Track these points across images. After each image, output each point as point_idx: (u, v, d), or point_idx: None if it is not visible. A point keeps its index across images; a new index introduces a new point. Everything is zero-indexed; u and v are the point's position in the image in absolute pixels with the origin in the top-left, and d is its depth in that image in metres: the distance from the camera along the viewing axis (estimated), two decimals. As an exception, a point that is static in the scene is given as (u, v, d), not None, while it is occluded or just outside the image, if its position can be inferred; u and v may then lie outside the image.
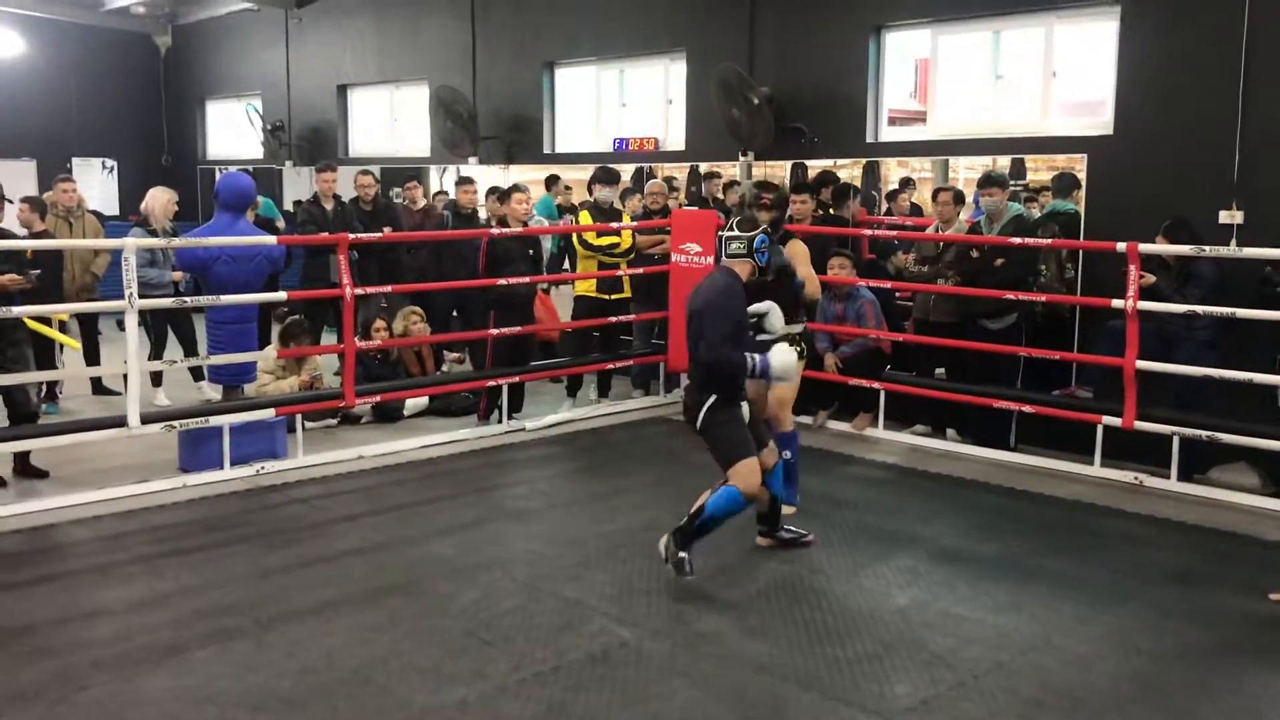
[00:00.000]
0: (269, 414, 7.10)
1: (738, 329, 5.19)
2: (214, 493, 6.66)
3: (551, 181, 11.19)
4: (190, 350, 8.78)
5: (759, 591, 5.12)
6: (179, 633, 4.60)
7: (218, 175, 11.11)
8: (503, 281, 7.95)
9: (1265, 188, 6.84)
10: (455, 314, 9.71)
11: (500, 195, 8.79)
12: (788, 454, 6.16)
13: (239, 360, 7.18)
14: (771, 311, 5.56)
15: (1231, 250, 6.54)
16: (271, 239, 7.21)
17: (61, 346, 9.02)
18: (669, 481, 6.77)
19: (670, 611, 4.85)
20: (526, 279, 8.19)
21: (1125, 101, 7.51)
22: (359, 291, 7.26)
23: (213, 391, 8.61)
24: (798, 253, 6.23)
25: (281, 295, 7.50)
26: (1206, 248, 6.47)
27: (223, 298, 6.89)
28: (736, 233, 5.30)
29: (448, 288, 8.61)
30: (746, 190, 9.31)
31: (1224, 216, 6.98)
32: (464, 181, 9.65)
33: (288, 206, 13.94)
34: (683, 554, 5.00)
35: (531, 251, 8.39)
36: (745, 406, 5.28)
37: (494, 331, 8.08)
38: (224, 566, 5.42)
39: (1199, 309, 6.48)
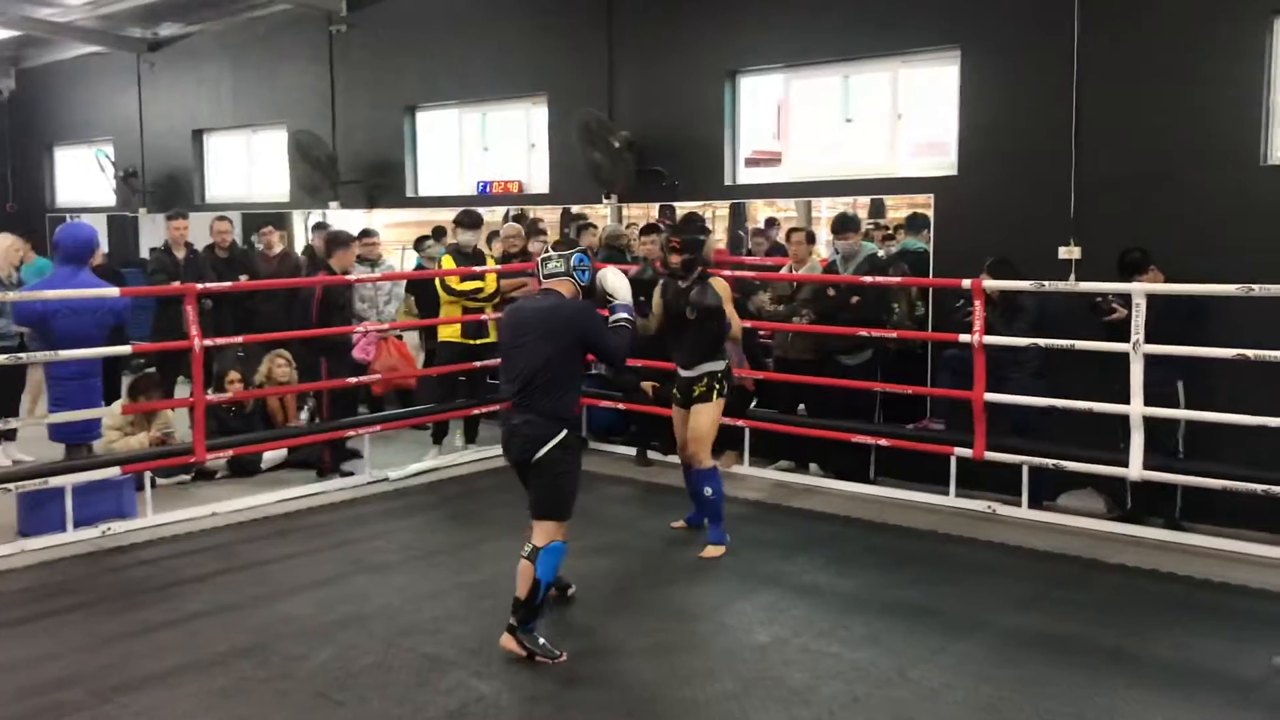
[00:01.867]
0: (114, 472, 6.82)
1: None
2: (54, 557, 6.35)
3: (438, 234, 10.79)
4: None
5: (621, 637, 5.08)
6: (8, 711, 4.35)
7: (70, 221, 10.72)
8: (361, 329, 7.83)
9: (1099, 224, 7.17)
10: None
11: (326, 239, 8.55)
12: (709, 490, 6.27)
13: (81, 417, 6.88)
14: (608, 278, 5.28)
15: (1069, 285, 6.82)
16: (114, 290, 6.95)
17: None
18: (534, 527, 6.69)
19: (531, 664, 4.75)
20: (361, 327, 8.04)
21: (967, 143, 7.81)
22: (208, 343, 7.05)
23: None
24: (721, 291, 6.26)
25: (126, 349, 7.22)
26: (1046, 283, 6.73)
27: (62, 352, 6.59)
28: (553, 253, 5.17)
29: (298, 336, 8.36)
30: (609, 232, 9.40)
31: (1063, 252, 7.28)
32: (320, 227, 9.46)
33: (144, 254, 13.51)
34: (541, 640, 4.78)
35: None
36: None
37: (352, 380, 7.92)
38: (61, 636, 5.16)
39: (1041, 341, 6.73)
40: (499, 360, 8.83)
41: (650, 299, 6.38)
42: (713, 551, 6.23)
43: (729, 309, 6.27)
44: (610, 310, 5.20)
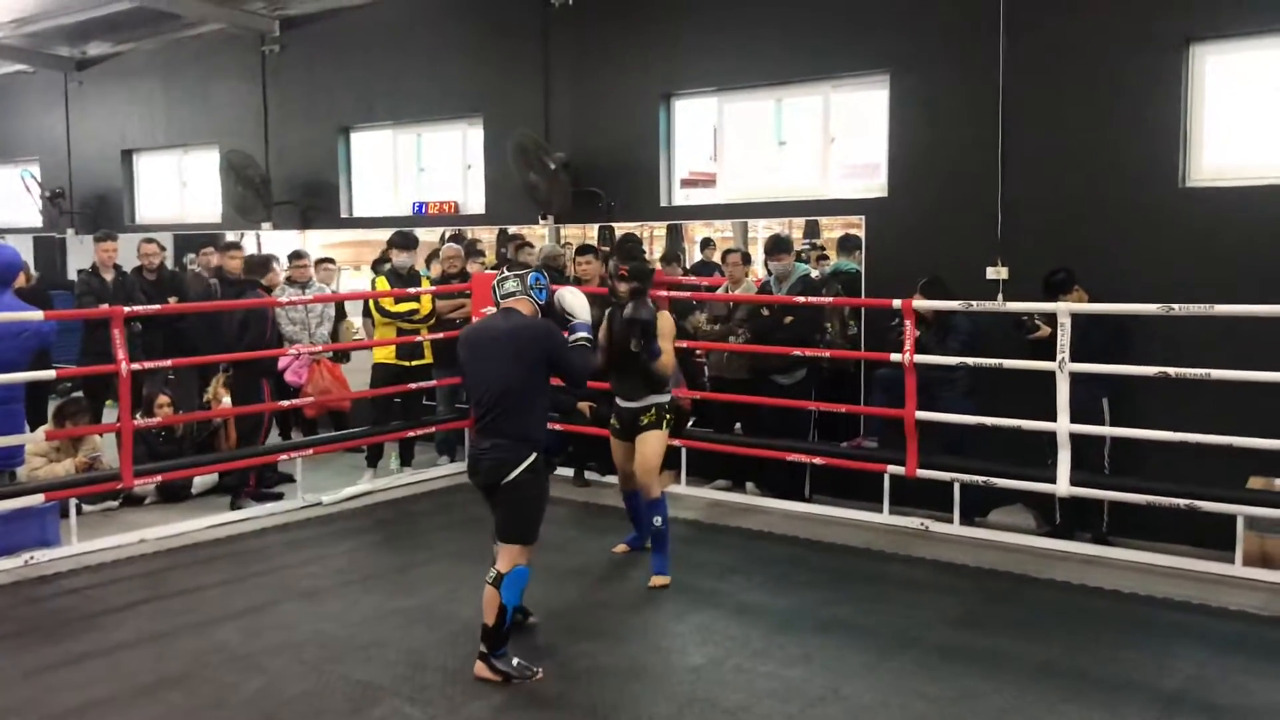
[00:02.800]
0: (38, 500, 6.66)
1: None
2: (-26, 588, 6.19)
3: (378, 264, 10.54)
4: None
5: (557, 661, 5.05)
6: (-78, 747, 4.24)
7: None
8: (292, 351, 7.73)
9: (1024, 245, 7.32)
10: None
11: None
12: (658, 520, 6.11)
13: (3, 444, 6.72)
14: (566, 297, 5.34)
15: (996, 305, 6.96)
16: (38, 314, 6.81)
17: None
18: (471, 550, 6.63)
19: (465, 687, 4.73)
20: (293, 349, 7.93)
21: (897, 165, 7.94)
22: (135, 366, 6.93)
23: None
24: (661, 325, 6.12)
25: (50, 374, 7.05)
26: (974, 303, 6.86)
27: (-18, 378, 6.45)
28: (509, 274, 5.11)
29: (231, 359, 8.24)
30: (546, 252, 9.39)
31: (990, 272, 7.42)
32: (230, 247, 9.28)
33: (71, 276, 13.25)
34: (515, 660, 4.78)
35: None
36: None
37: (285, 404, 7.83)
38: (-20, 669, 5.03)
39: (970, 361, 6.85)
40: (434, 382, 8.89)
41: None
42: (660, 581, 6.06)
43: (665, 345, 6.11)
44: (569, 330, 5.20)
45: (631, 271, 6.17)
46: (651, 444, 6.17)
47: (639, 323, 6.00)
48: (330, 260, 10.25)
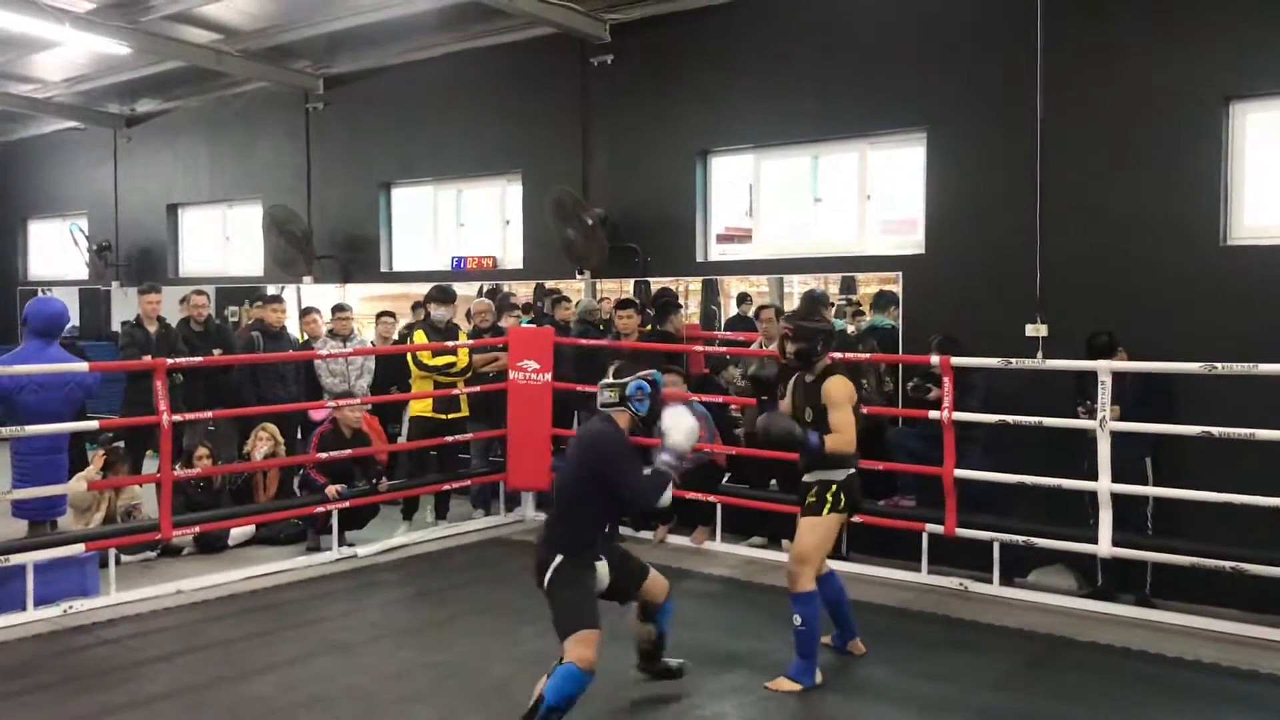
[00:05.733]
0: (78, 549, 6.72)
1: (637, 460, 4.92)
2: (14, 636, 6.21)
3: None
4: None
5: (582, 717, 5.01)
6: (-41, 797, 4.25)
7: (41, 295, 10.70)
8: (331, 404, 7.80)
9: (1064, 302, 7.28)
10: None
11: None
12: (798, 619, 5.29)
13: (47, 494, 6.80)
14: (665, 417, 4.99)
15: (1036, 362, 6.91)
16: (83, 365, 6.92)
17: None
18: (507, 606, 6.62)
19: (497, 744, 4.71)
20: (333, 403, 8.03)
21: (934, 222, 7.95)
22: (177, 418, 7.01)
23: None
24: (833, 393, 5.33)
25: (93, 424, 7.16)
26: (1013, 360, 6.81)
27: (28, 428, 6.53)
28: (610, 380, 5.00)
29: (274, 411, 8.37)
30: (583, 307, 9.45)
31: (1030, 330, 7.38)
32: (272, 300, 9.43)
33: (115, 328, 13.48)
34: None
35: None
36: (601, 567, 4.92)
37: (323, 456, 7.88)
38: (20, 719, 5.04)
39: (1009, 419, 6.79)
40: (470, 435, 8.92)
41: (773, 396, 5.68)
42: (785, 685, 5.31)
43: (840, 416, 5.28)
44: (661, 447, 4.94)
45: (796, 331, 5.41)
46: (808, 529, 5.38)
47: (773, 439, 5.36)
48: (390, 314, 10.24)
